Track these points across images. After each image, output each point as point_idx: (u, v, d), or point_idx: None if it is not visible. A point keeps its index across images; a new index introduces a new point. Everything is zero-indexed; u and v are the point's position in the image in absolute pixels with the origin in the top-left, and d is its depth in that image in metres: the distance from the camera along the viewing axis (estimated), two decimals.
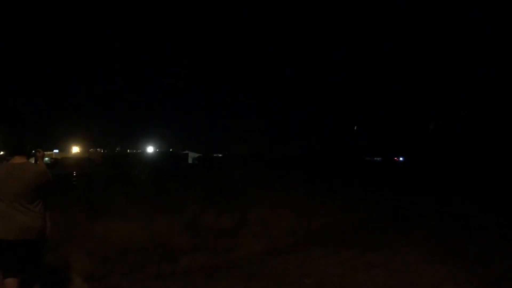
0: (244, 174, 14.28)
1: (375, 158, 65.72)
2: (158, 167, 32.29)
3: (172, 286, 4.59)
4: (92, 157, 53.09)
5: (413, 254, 5.91)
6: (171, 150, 75.42)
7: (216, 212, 8.05)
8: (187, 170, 33.71)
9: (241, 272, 5.13)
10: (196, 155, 63.70)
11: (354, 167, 32.12)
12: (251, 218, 7.92)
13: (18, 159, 3.41)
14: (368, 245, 6.43)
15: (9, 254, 3.26)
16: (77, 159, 47.27)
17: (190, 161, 58.10)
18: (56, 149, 62.39)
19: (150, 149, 71.27)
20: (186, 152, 66.32)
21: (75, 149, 62.46)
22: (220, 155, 70.73)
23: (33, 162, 3.62)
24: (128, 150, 77.97)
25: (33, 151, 3.65)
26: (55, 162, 42.35)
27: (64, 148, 63.05)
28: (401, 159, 64.22)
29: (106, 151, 72.76)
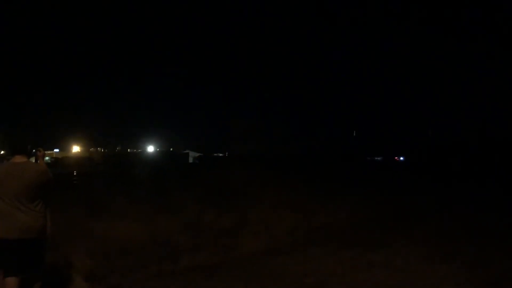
0: (245, 173, 14.27)
1: (376, 158, 65.70)
2: (158, 167, 32.31)
3: (173, 285, 4.60)
4: (93, 156, 53.15)
5: (413, 254, 5.91)
6: (171, 149, 75.44)
7: (216, 211, 8.05)
8: (188, 169, 33.69)
9: (242, 272, 5.14)
10: (197, 154, 63.73)
11: (354, 167, 32.07)
12: (251, 217, 7.92)
13: (18, 159, 3.41)
14: (368, 245, 6.44)
15: (9, 253, 3.26)
16: (78, 158, 47.38)
17: (190, 160, 58.14)
18: (56, 148, 62.50)
19: (150, 148, 71.31)
20: (187, 151, 66.37)
21: (76, 149, 62.50)
22: (220, 155, 70.75)
23: (34, 161, 3.63)
24: (129, 150, 77.95)
25: (34, 150, 3.66)
26: (56, 162, 42.45)
27: (64, 148, 63.11)
28: (401, 158, 64.20)
29: (106, 150, 72.74)
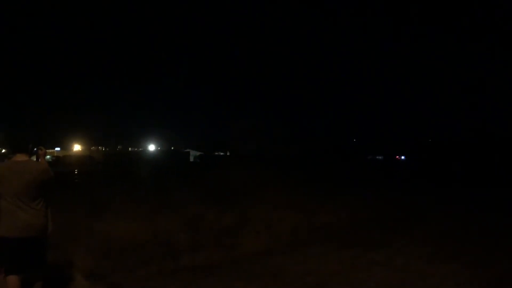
0: (245, 173, 14.27)
1: (377, 157, 65.69)
2: (159, 166, 32.34)
3: (173, 285, 4.61)
4: (94, 155, 53.18)
5: (414, 254, 5.92)
6: (172, 148, 75.50)
7: (217, 211, 8.05)
8: (189, 168, 33.71)
9: (242, 271, 5.14)
10: (198, 153, 63.77)
11: (355, 166, 32.06)
12: (252, 217, 7.92)
13: (20, 157, 3.42)
14: (368, 245, 6.45)
15: (11, 251, 3.28)
16: (79, 157, 47.36)
17: (191, 159, 58.17)
18: (57, 147, 62.54)
19: (151, 147, 71.39)
20: (188, 150, 66.39)
21: (77, 147, 62.59)
22: (221, 154, 70.79)
23: (35, 160, 3.64)
24: (130, 148, 78.05)
25: (35, 149, 3.66)
26: (57, 160, 42.47)
27: (65, 146, 63.19)
28: (402, 157, 64.17)
29: (107, 149, 72.86)
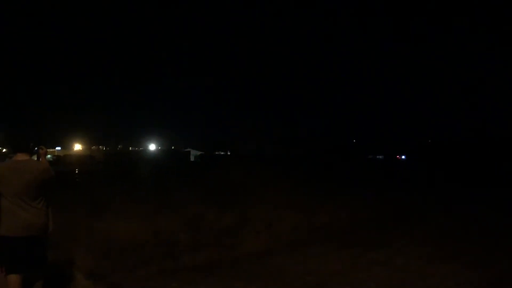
0: (246, 173, 14.27)
1: (377, 156, 65.71)
2: (159, 165, 32.34)
3: (173, 284, 4.61)
4: (94, 154, 53.23)
5: (414, 253, 5.92)
6: (172, 147, 75.53)
7: (217, 211, 8.05)
8: (189, 168, 33.71)
9: (242, 271, 5.15)
10: (198, 153, 63.78)
11: (356, 166, 32.05)
12: (253, 216, 7.92)
13: (20, 156, 3.43)
14: (369, 244, 6.45)
15: (12, 251, 3.28)
16: (79, 156, 47.42)
17: (192, 159, 58.18)
18: (58, 146, 62.60)
19: (152, 146, 71.43)
20: (188, 149, 66.43)
21: (77, 147, 62.68)
22: (222, 153, 70.80)
23: (36, 159, 3.64)
24: (130, 148, 78.08)
25: (36, 148, 3.67)
26: (57, 160, 42.49)
27: (66, 146, 63.26)
28: (403, 157, 64.19)
29: (108, 148, 72.89)
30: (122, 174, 20.32)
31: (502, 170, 25.78)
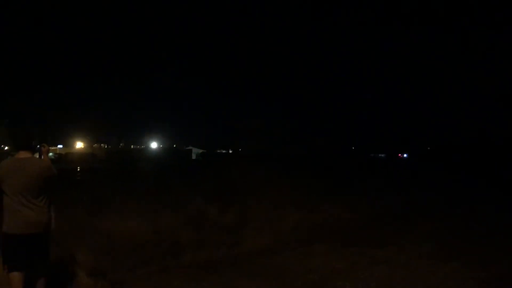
0: (247, 171, 14.27)
1: (380, 155, 65.69)
2: (161, 163, 32.39)
3: (175, 281, 4.61)
4: (96, 152, 53.34)
5: (416, 251, 5.91)
6: (174, 146, 75.60)
7: (219, 208, 8.06)
8: (191, 166, 33.74)
9: (244, 268, 5.14)
10: (200, 151, 63.83)
11: (358, 164, 32.04)
12: (254, 214, 7.93)
13: (23, 154, 3.43)
14: (371, 242, 6.43)
15: (15, 248, 3.29)
16: (81, 154, 47.52)
17: (193, 157, 58.24)
18: (60, 144, 62.66)
19: (153, 145, 71.49)
20: (190, 148, 66.49)
21: (79, 145, 62.75)
22: (223, 151, 70.84)
23: (38, 157, 3.64)
24: (132, 146, 78.16)
25: (38, 146, 3.67)
26: (59, 157, 42.60)
27: (68, 144, 63.31)
28: (405, 155, 64.14)
29: (109, 146, 72.97)
30: (124, 172, 20.35)
31: (502, 170, 25.74)
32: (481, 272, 4.93)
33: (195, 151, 62.69)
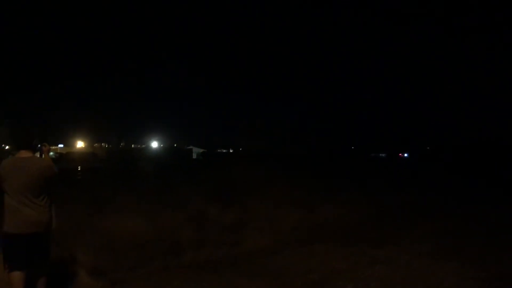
0: (248, 170, 14.29)
1: (380, 154, 65.68)
2: (162, 163, 32.41)
3: (176, 280, 4.62)
4: (97, 152, 53.35)
5: (417, 251, 5.91)
6: (175, 145, 75.60)
7: (220, 207, 8.07)
8: (191, 165, 33.75)
9: (245, 268, 5.15)
10: (201, 150, 63.85)
11: (358, 164, 32.04)
12: (255, 213, 7.93)
13: (24, 154, 3.43)
14: (371, 242, 6.43)
15: (15, 248, 3.29)
16: (82, 153, 47.51)
17: (194, 156, 58.25)
18: (61, 143, 62.68)
19: (154, 144, 71.49)
20: (190, 147, 66.48)
21: (80, 144, 62.75)
22: (224, 151, 70.87)
23: (39, 156, 3.65)
24: (133, 145, 78.18)
25: (39, 145, 3.67)
26: (60, 157, 42.63)
27: (69, 143, 63.32)
28: (405, 155, 64.10)
29: (110, 146, 72.99)
30: (124, 172, 20.36)
31: (502, 170, 25.72)
32: (481, 272, 4.93)
33: (196, 151, 62.68)
